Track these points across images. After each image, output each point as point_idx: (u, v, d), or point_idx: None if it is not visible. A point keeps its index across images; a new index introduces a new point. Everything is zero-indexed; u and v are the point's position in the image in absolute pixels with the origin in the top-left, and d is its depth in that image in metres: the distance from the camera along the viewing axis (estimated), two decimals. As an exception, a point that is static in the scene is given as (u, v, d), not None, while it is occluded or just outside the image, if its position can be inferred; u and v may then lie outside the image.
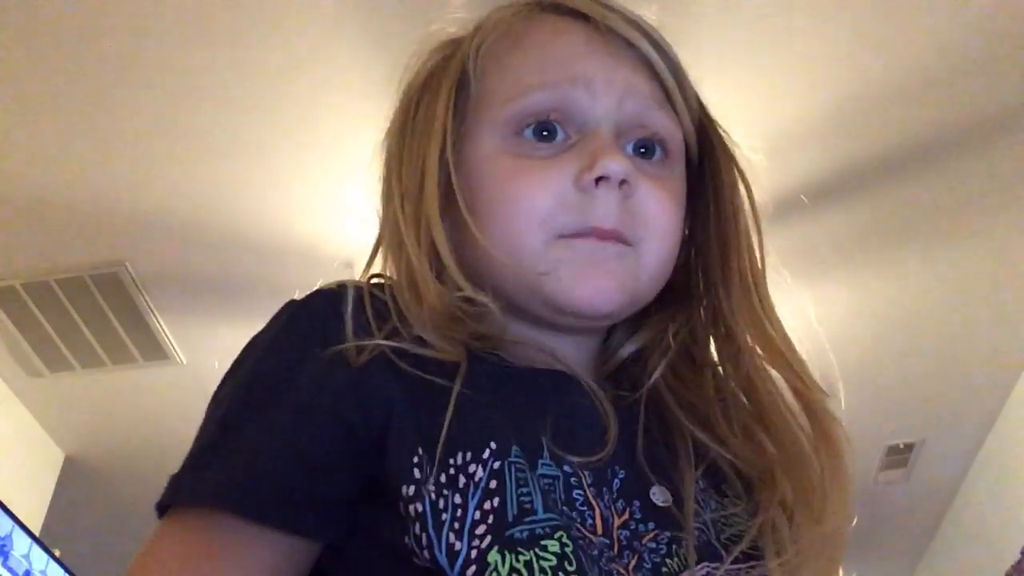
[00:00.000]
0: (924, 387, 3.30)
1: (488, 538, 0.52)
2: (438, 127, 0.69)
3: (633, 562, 0.56)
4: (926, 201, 2.61)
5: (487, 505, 0.53)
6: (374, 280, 0.67)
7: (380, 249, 0.71)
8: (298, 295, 0.64)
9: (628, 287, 0.65)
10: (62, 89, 2.21)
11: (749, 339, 0.68)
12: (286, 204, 2.52)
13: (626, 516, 0.58)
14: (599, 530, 0.56)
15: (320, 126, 2.33)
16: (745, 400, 0.68)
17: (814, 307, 0.73)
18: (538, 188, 0.65)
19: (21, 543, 2.61)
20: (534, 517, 0.53)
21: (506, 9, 0.73)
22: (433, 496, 0.53)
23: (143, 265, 2.67)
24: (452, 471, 0.54)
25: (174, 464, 0.57)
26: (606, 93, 0.67)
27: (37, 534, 2.80)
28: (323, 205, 2.53)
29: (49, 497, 3.31)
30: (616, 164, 0.64)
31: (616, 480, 0.60)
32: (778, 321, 0.69)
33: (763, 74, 2.25)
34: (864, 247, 2.75)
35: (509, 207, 0.65)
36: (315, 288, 0.64)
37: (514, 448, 0.55)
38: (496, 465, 0.55)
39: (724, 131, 0.75)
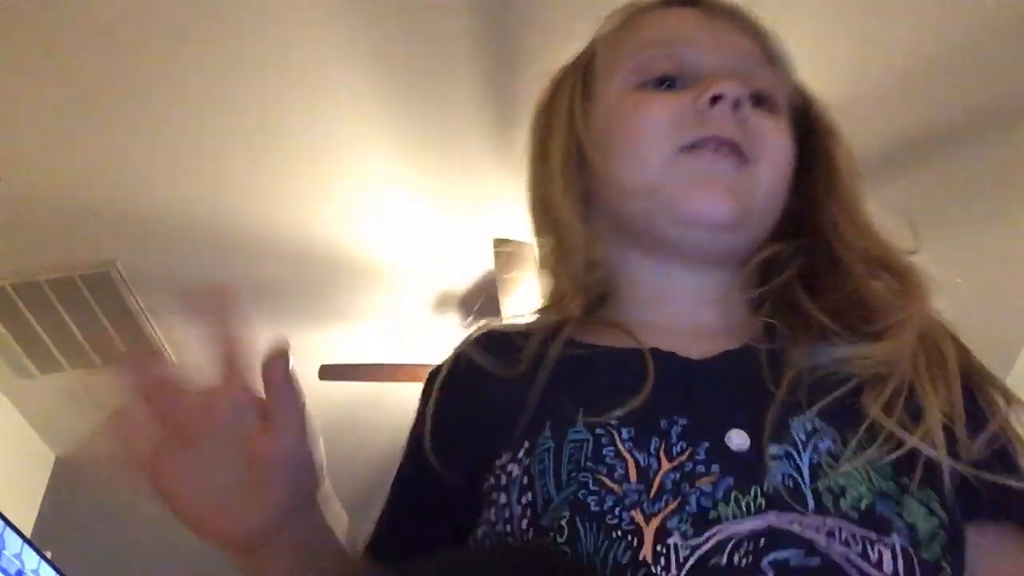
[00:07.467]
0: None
1: (530, 530, 0.59)
2: (570, 89, 0.78)
3: (673, 505, 0.56)
4: (921, 194, 2.62)
5: (524, 499, 0.61)
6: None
7: (534, 218, 0.80)
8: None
9: (742, 199, 0.69)
10: (52, 90, 2.21)
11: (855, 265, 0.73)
12: (278, 205, 2.52)
13: (683, 457, 0.58)
14: (633, 477, 0.58)
15: (314, 126, 2.33)
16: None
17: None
18: (658, 110, 0.71)
19: (13, 543, 2.60)
20: (552, 504, 0.59)
21: (620, 11, 0.82)
22: (493, 496, 0.63)
23: (134, 265, 2.66)
24: (498, 471, 0.64)
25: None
26: (716, 53, 0.74)
27: (28, 535, 2.79)
28: (316, 206, 2.53)
29: (40, 498, 3.30)
30: (731, 84, 0.69)
31: (676, 427, 0.60)
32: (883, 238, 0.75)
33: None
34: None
35: (633, 129, 0.72)
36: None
37: (541, 438, 0.62)
38: (527, 462, 0.62)
39: (818, 100, 0.81)
